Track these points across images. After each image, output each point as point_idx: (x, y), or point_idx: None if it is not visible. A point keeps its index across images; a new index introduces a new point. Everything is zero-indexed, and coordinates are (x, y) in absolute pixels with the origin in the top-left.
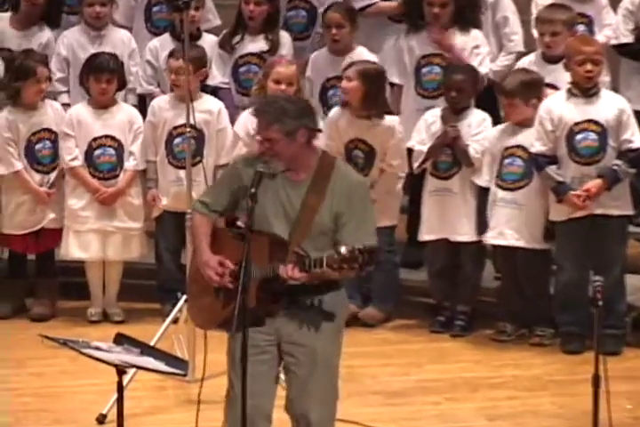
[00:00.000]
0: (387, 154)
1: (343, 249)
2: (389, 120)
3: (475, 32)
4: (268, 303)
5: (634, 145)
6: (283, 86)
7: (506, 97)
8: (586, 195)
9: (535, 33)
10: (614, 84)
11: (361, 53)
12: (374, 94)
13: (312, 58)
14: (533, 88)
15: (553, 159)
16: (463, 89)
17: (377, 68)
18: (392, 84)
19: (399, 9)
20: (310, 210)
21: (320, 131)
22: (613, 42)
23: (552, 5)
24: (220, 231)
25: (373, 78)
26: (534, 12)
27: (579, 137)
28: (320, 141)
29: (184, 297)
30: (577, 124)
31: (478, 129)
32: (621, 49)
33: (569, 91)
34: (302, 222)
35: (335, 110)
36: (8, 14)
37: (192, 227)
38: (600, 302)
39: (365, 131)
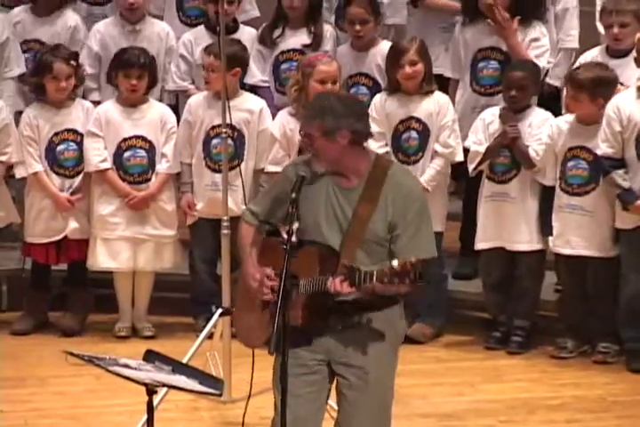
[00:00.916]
0: (441, 133)
1: (395, 262)
2: (441, 96)
3: (536, 23)
4: (315, 321)
5: None
6: (329, 86)
7: (572, 88)
8: None
9: (599, 26)
10: None
11: (385, 48)
12: (430, 70)
13: (338, 53)
14: (605, 86)
15: (620, 163)
16: (524, 87)
17: (424, 43)
18: (447, 79)
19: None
20: (362, 219)
21: (371, 135)
22: None
23: None
24: (270, 240)
25: (429, 54)
26: (599, 2)
27: None
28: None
29: (219, 311)
30: None
31: (540, 129)
32: None
33: (639, 89)
34: (354, 232)
35: (380, 95)
36: (27, 6)
37: (239, 237)
38: None
39: (418, 108)
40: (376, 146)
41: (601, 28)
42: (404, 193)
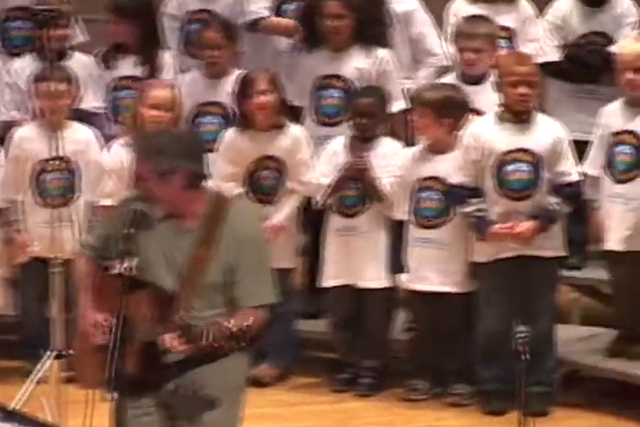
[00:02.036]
0: (296, 169)
1: (232, 325)
2: (296, 130)
3: (380, 52)
4: (149, 370)
5: (570, 179)
6: (159, 112)
7: (418, 107)
8: (512, 231)
9: (452, 50)
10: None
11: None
12: (283, 101)
13: (185, 80)
14: (453, 108)
15: (475, 192)
16: (372, 114)
17: (277, 73)
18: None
19: (295, 24)
20: (198, 263)
21: (205, 177)
22: (539, 59)
23: (473, 17)
24: (108, 278)
25: (281, 84)
26: (451, 23)
27: (509, 168)
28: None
29: (50, 353)
30: (507, 153)
31: (389, 160)
32: (548, 68)
33: (499, 115)
34: (190, 277)
35: (230, 131)
36: None
37: (77, 274)
38: (526, 356)
39: (272, 145)
40: (229, 186)
41: (455, 52)
42: (242, 235)
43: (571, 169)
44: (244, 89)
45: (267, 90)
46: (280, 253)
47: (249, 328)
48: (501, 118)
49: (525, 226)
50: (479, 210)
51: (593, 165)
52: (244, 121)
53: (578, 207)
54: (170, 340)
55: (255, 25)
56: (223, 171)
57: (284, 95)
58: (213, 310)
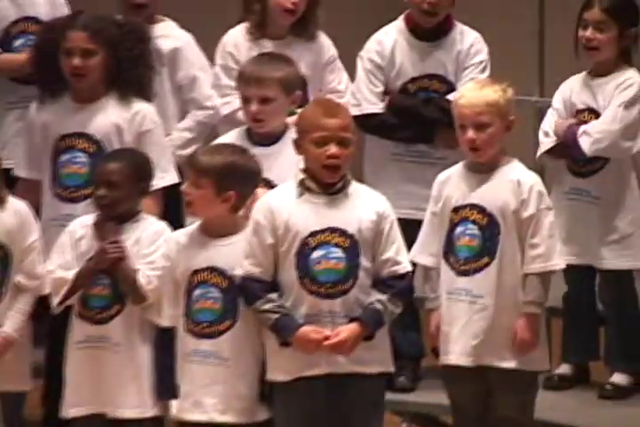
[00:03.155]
0: (25, 258)
1: None
2: (20, 205)
3: (139, 105)
4: None
5: (399, 269)
6: None
7: (195, 175)
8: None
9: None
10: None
11: None
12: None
13: None
14: (239, 176)
15: (271, 286)
16: (119, 184)
17: None
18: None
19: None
20: None
21: None
22: (355, 111)
23: (263, 56)
24: None
25: None
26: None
27: (316, 255)
28: None
29: None
30: (313, 234)
31: (152, 246)
32: (367, 122)
33: (300, 185)
34: None
35: None
36: None
37: None
38: None
39: None
40: None
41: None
42: None
43: (398, 256)
44: None
45: None
46: (8, 374)
47: None
48: (304, 189)
49: (342, 332)
50: (279, 306)
51: (427, 251)
52: None
53: (409, 307)
54: None
55: None
56: None
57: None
58: None
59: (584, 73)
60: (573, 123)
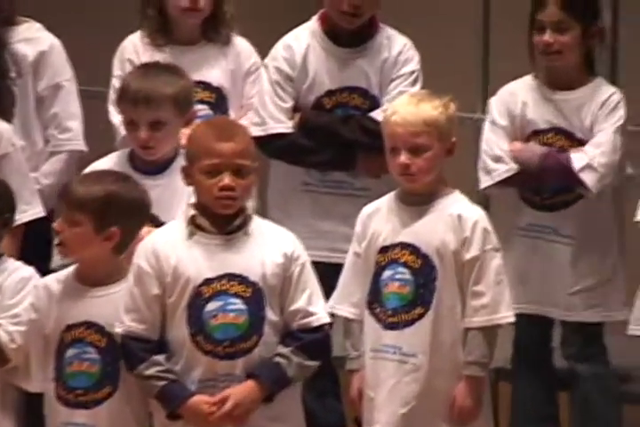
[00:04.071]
0: None
1: None
2: None
3: None
4: None
5: (313, 321)
6: None
7: (69, 210)
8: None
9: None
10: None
11: None
12: None
13: None
14: (123, 211)
15: (157, 346)
16: None
17: None
18: None
19: None
20: None
21: None
22: (257, 132)
23: (148, 68)
24: None
25: None
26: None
27: (209, 307)
28: None
29: None
30: (207, 283)
31: (16, 295)
32: (273, 145)
33: (191, 222)
34: None
35: None
36: None
37: None
38: None
39: None
40: None
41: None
42: None
43: (311, 306)
44: None
45: None
46: None
47: None
48: (195, 228)
49: (231, 396)
50: (166, 371)
51: (348, 300)
52: None
53: (327, 368)
54: None
55: None
56: None
57: None
58: None
59: (532, 80)
60: (551, 149)
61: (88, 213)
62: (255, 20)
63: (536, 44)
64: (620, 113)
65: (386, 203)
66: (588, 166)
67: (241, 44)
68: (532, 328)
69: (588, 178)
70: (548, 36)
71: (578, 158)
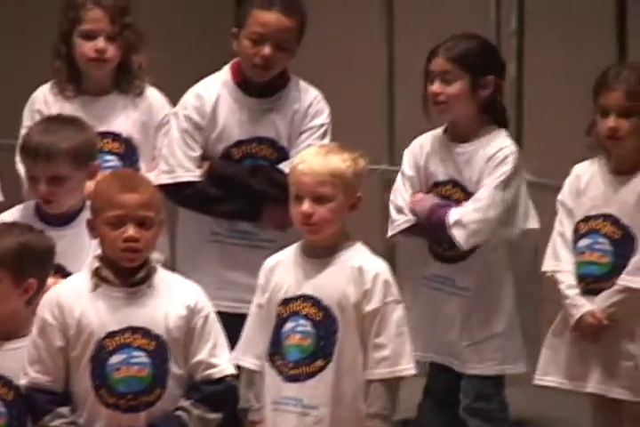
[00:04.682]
0: None
1: None
2: None
3: None
4: None
5: (215, 373)
6: None
7: None
8: None
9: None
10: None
11: None
12: None
13: None
14: (29, 262)
15: (61, 398)
16: None
17: None
18: None
19: None
20: None
21: None
22: (162, 180)
23: (50, 122)
24: None
25: None
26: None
27: (113, 360)
28: None
29: None
30: (110, 335)
31: None
32: (179, 193)
33: (95, 274)
34: None
35: None
36: None
37: None
38: None
39: None
40: None
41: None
42: None
43: (213, 358)
44: None
45: None
46: None
47: None
48: (99, 280)
49: None
50: (70, 424)
51: (251, 351)
52: None
53: (232, 420)
54: None
55: None
56: None
57: None
58: None
59: (439, 132)
60: (437, 203)
61: (4, 267)
62: (168, 69)
63: (428, 94)
64: (506, 168)
65: (288, 255)
66: (458, 222)
67: (153, 95)
68: (441, 376)
69: (458, 234)
70: (435, 87)
71: (453, 214)
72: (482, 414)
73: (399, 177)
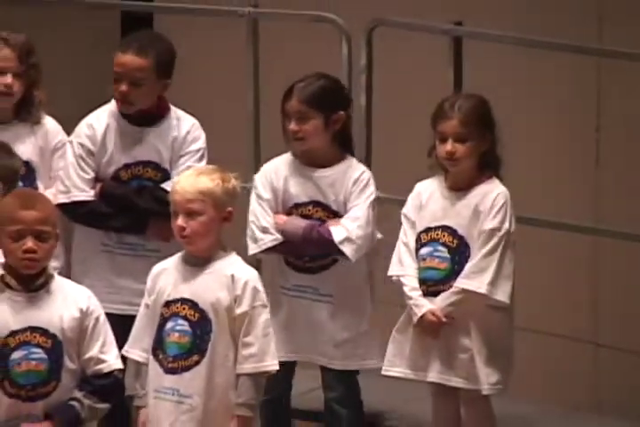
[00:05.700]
0: None
1: None
2: None
3: None
4: None
5: (104, 367)
6: None
7: None
8: None
9: None
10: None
11: None
12: None
13: None
14: None
15: None
16: None
17: None
18: None
19: None
20: None
21: None
22: (61, 199)
23: None
24: None
25: None
26: None
27: (15, 356)
28: None
29: None
30: (13, 333)
31: None
32: (75, 210)
33: (0, 281)
34: None
35: None
36: None
37: None
38: None
39: None
40: None
41: None
42: None
43: (102, 354)
44: None
45: None
46: None
47: None
48: (4, 286)
49: None
50: None
51: (139, 345)
52: None
53: (121, 405)
54: None
55: None
56: None
57: None
58: None
59: (291, 157)
60: (310, 223)
61: None
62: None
63: (287, 131)
64: (371, 189)
65: (172, 262)
66: (347, 239)
67: (49, 123)
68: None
69: (348, 249)
70: (292, 126)
71: (337, 231)
72: (349, 402)
73: (254, 200)
